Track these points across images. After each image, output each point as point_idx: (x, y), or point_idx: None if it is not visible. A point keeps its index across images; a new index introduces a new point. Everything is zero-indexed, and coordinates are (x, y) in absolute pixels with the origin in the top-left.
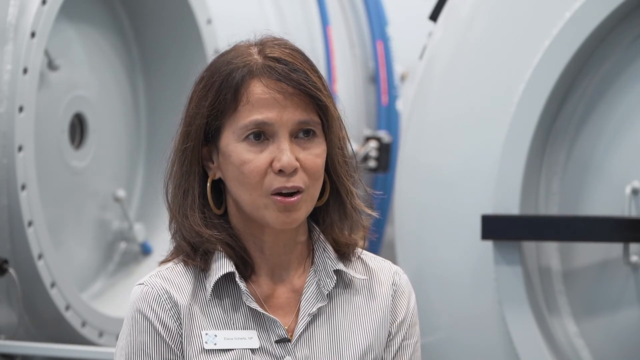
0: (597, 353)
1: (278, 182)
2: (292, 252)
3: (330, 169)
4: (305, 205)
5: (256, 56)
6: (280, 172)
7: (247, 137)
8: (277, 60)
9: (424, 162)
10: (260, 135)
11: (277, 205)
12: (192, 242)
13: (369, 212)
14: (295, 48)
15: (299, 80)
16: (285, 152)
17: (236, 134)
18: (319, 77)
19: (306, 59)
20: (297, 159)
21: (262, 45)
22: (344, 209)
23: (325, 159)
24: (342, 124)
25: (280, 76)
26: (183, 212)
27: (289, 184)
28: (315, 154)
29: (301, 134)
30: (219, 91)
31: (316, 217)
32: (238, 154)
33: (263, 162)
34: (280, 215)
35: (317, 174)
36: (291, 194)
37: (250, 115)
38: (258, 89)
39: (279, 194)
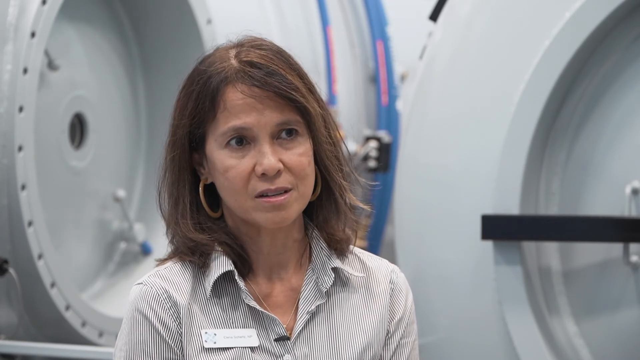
0: (597, 353)
1: (262, 186)
2: (289, 250)
3: (320, 164)
4: (297, 204)
5: (232, 61)
6: (263, 175)
7: (228, 143)
8: (251, 64)
9: (424, 162)
10: (242, 140)
11: (264, 206)
12: (188, 247)
13: (363, 205)
14: (272, 48)
15: (273, 83)
16: (266, 156)
17: (218, 141)
18: (298, 75)
19: (283, 59)
20: (281, 160)
21: (240, 47)
22: (336, 204)
23: (311, 156)
24: (328, 118)
25: (254, 81)
26: (175, 221)
27: (274, 187)
28: (298, 153)
29: (283, 134)
30: (198, 99)
31: (310, 213)
32: (221, 160)
33: (245, 167)
34: (270, 215)
35: (302, 172)
36: (278, 194)
37: (228, 122)
38: (234, 95)
39: (265, 195)
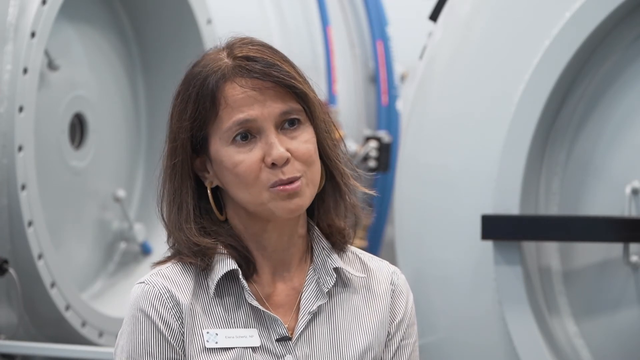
0: (597, 353)
1: (274, 177)
2: (294, 246)
3: (322, 153)
4: (308, 190)
5: (226, 59)
6: (274, 165)
7: (234, 139)
8: (246, 58)
9: (424, 162)
10: (247, 134)
11: (279, 196)
12: (193, 251)
13: (367, 190)
14: (263, 43)
15: (271, 73)
16: (274, 146)
17: (223, 139)
18: (292, 66)
19: (275, 52)
20: (288, 149)
21: (230, 47)
22: (339, 191)
23: (316, 144)
24: (324, 107)
25: (253, 73)
26: (178, 226)
27: (285, 177)
28: (304, 141)
29: (286, 125)
30: (197, 101)
31: (311, 206)
32: (229, 157)
33: (255, 159)
34: (285, 204)
35: (310, 159)
36: (290, 182)
37: (232, 117)
38: (234, 90)
39: (279, 184)
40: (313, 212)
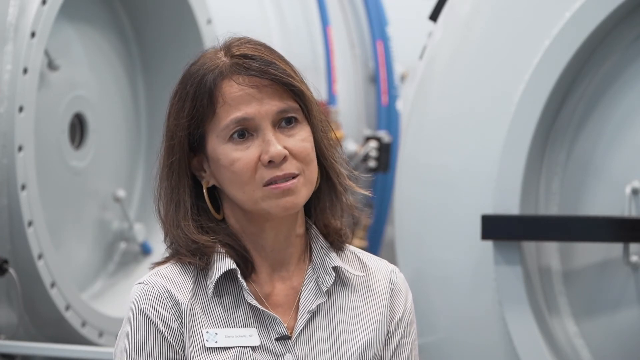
0: (597, 353)
1: (270, 173)
2: (292, 246)
3: (318, 152)
4: (305, 189)
5: (224, 58)
6: (270, 163)
7: (231, 136)
8: (244, 56)
9: (424, 162)
10: (244, 132)
11: (274, 194)
12: (190, 249)
13: (362, 191)
14: (260, 42)
15: (269, 70)
16: (271, 143)
17: (220, 137)
18: (289, 65)
19: (272, 51)
20: (286, 147)
21: (227, 46)
22: (335, 191)
23: (313, 143)
24: (320, 107)
25: (250, 71)
26: (176, 224)
27: (282, 173)
28: (301, 139)
29: (283, 123)
30: (195, 99)
31: (308, 206)
32: (226, 155)
33: (251, 157)
34: (280, 202)
35: (307, 157)
36: (286, 180)
37: (229, 115)
38: (231, 88)
39: (274, 182)
40: (311, 211)
